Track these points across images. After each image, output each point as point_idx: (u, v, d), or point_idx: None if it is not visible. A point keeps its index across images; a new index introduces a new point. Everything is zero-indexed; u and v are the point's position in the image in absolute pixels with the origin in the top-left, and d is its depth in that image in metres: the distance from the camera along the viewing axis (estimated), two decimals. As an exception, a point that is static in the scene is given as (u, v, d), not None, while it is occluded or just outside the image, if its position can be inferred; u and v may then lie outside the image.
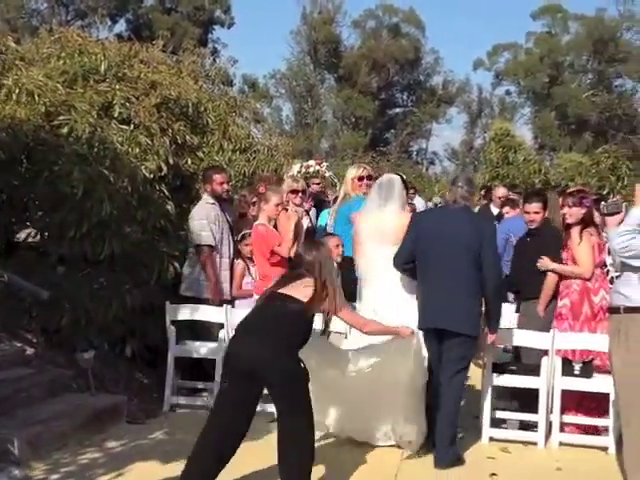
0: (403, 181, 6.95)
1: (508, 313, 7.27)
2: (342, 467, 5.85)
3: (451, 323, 5.99)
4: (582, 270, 6.69)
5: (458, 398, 6.17)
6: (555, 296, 6.87)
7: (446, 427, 5.98)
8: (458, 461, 6.02)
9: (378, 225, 6.59)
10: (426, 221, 6.47)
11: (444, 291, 6.05)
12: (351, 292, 7.53)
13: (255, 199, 8.20)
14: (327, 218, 8.84)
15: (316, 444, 5.37)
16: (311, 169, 12.90)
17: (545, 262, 6.86)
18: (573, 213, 6.75)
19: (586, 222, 6.74)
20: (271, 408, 6.98)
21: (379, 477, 5.70)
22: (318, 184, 10.75)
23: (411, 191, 11.34)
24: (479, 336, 6.15)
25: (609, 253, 6.82)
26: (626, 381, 5.34)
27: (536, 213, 7.19)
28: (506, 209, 9.17)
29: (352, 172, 8.28)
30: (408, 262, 6.30)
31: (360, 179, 8.17)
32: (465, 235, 6.11)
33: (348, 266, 7.52)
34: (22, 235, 8.20)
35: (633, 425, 5.28)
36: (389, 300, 6.47)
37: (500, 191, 10.82)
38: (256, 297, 7.42)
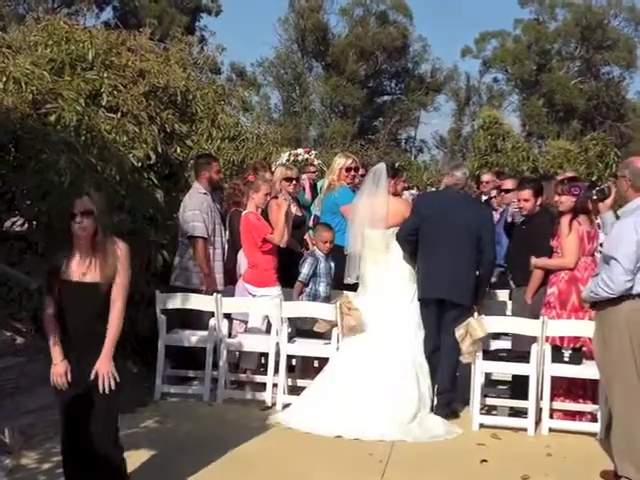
0: (393, 168, 7.47)
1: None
2: (333, 454, 5.88)
3: (453, 294, 6.77)
4: (566, 261, 6.75)
5: (457, 354, 6.78)
6: (545, 283, 6.90)
7: (448, 380, 6.79)
8: (453, 414, 6.78)
9: (370, 210, 7.14)
10: (432, 203, 7.33)
11: (448, 266, 6.78)
12: (338, 277, 7.62)
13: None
14: (314, 209, 8.86)
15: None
16: (300, 157, 12.90)
17: (532, 260, 6.92)
18: (563, 201, 6.78)
19: (577, 210, 6.76)
20: (262, 396, 7.06)
21: (370, 464, 5.70)
22: (314, 172, 10.74)
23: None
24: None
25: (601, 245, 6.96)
26: (605, 367, 5.39)
27: (525, 200, 7.19)
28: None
29: (340, 162, 8.22)
30: (411, 235, 6.96)
31: (348, 170, 8.16)
32: (468, 218, 6.92)
33: (333, 254, 7.62)
34: (7, 223, 8.15)
35: (617, 410, 5.33)
36: (383, 279, 7.10)
37: (485, 177, 10.83)
38: (247, 286, 7.50)
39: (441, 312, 6.86)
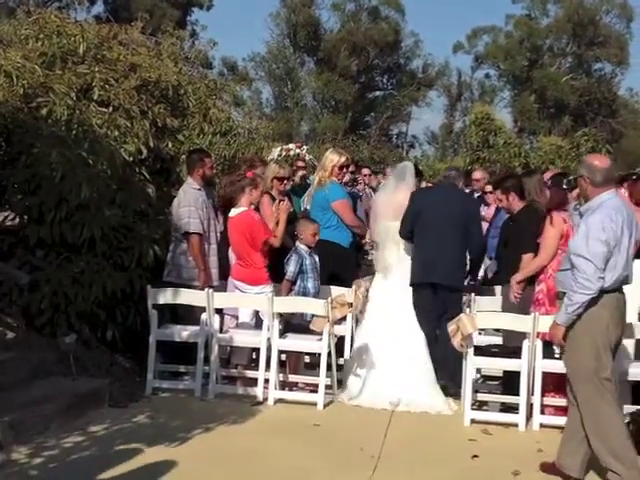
0: (416, 169, 8.16)
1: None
2: (324, 450, 5.88)
3: (445, 278, 7.38)
4: (540, 261, 6.86)
5: None
6: (533, 281, 6.93)
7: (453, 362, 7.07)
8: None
9: (390, 203, 7.70)
10: (425, 197, 7.88)
11: (439, 253, 7.34)
12: (329, 273, 7.63)
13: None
14: (303, 203, 8.85)
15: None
16: (291, 152, 12.88)
17: (513, 279, 7.02)
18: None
19: (558, 204, 6.85)
20: (254, 391, 7.06)
21: (362, 459, 5.71)
22: (304, 167, 10.74)
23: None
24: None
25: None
26: (570, 361, 5.46)
27: (499, 200, 7.53)
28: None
29: (334, 159, 8.21)
30: (411, 231, 7.54)
31: (341, 168, 8.16)
32: (457, 209, 7.57)
33: (323, 250, 7.61)
34: (-1, 218, 8.13)
35: (582, 408, 5.35)
36: (403, 267, 7.56)
37: (477, 174, 10.90)
38: (239, 283, 7.47)
39: (435, 296, 7.43)
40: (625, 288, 6.61)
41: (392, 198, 7.73)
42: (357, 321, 7.64)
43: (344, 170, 8.21)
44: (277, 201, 7.89)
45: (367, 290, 7.67)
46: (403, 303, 7.44)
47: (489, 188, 9.32)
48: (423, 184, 9.59)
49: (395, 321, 7.39)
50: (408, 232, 7.57)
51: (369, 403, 6.99)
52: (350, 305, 7.42)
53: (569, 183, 5.89)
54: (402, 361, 7.16)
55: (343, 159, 8.22)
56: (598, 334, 5.22)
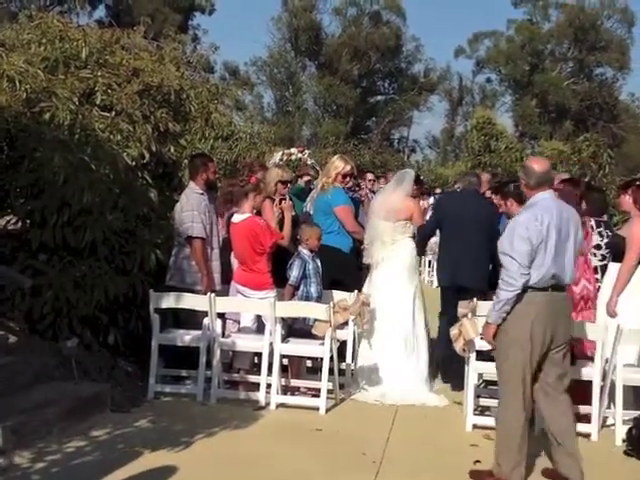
0: (417, 177, 8.52)
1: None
2: (326, 454, 5.88)
3: (472, 282, 7.69)
4: None
5: None
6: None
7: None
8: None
9: (385, 204, 8.06)
10: (451, 202, 8.57)
11: (466, 258, 7.77)
12: (331, 279, 7.64)
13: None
14: (306, 207, 8.85)
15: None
16: (293, 157, 12.90)
17: None
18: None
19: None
20: (256, 396, 7.05)
21: (364, 464, 5.71)
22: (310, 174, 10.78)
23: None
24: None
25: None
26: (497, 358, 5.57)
27: (499, 205, 7.78)
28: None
29: (338, 166, 8.19)
30: (431, 236, 8.38)
31: (345, 176, 8.16)
32: (482, 215, 7.93)
33: (325, 255, 7.61)
34: (1, 222, 8.12)
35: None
36: (388, 267, 7.96)
37: (485, 176, 10.91)
38: (242, 288, 7.46)
39: (459, 295, 7.58)
40: (625, 289, 6.69)
41: (386, 199, 8.13)
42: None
43: (347, 179, 8.21)
44: (278, 200, 7.90)
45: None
46: (387, 298, 7.81)
47: (489, 193, 9.33)
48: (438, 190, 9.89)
49: (385, 315, 7.80)
50: (429, 232, 8.29)
51: (363, 397, 7.44)
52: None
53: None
54: (394, 354, 7.70)
55: (348, 167, 8.20)
56: (521, 330, 5.28)
